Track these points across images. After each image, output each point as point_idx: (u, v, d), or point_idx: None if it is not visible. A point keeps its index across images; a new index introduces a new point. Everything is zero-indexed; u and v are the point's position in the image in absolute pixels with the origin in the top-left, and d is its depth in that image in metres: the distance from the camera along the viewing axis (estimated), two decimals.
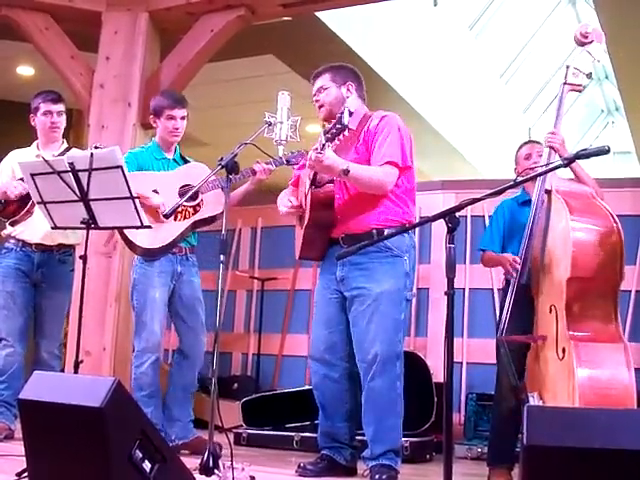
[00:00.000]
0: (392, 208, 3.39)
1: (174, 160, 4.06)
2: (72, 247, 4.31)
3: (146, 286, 3.87)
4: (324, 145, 3.14)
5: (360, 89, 3.58)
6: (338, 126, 3.09)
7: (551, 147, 3.44)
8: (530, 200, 3.68)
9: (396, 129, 3.40)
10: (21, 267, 4.19)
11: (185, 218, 3.90)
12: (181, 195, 3.81)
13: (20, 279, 4.18)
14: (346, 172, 3.21)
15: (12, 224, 4.18)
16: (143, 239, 3.80)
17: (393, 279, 3.35)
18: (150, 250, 3.84)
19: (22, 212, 4.10)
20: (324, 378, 3.47)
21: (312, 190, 3.43)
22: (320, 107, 3.54)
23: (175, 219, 3.85)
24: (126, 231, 3.78)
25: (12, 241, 4.22)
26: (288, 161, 3.85)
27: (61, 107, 4.30)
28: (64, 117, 4.34)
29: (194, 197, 3.86)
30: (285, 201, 3.57)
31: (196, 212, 3.91)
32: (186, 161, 4.11)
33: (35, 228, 4.10)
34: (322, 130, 3.19)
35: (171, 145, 4.07)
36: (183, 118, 4.02)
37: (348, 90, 3.52)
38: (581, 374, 2.97)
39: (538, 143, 3.83)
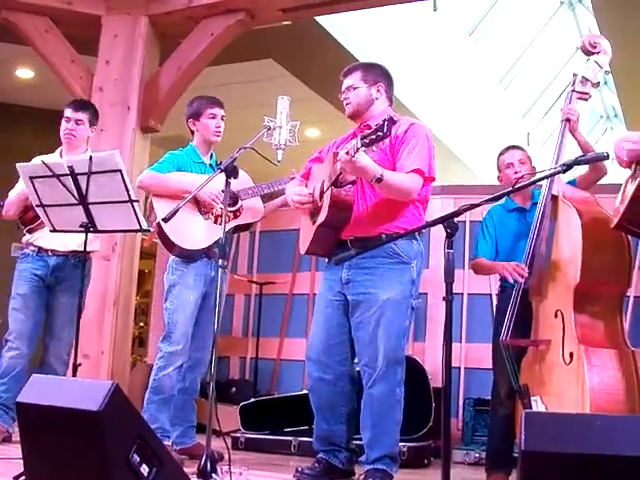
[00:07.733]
0: (406, 216, 3.35)
1: (210, 165, 4.00)
2: (88, 252, 4.27)
3: (182, 288, 3.82)
4: (358, 149, 3.03)
5: (390, 90, 3.52)
6: (379, 134, 2.94)
7: (568, 119, 3.46)
8: (518, 207, 3.68)
9: (425, 139, 3.36)
10: (36, 271, 4.19)
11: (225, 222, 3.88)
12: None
13: (34, 282, 4.19)
14: (380, 179, 3.12)
15: (29, 232, 4.20)
16: (184, 239, 3.77)
17: (401, 286, 3.30)
18: (189, 251, 3.80)
19: (40, 220, 4.07)
20: (319, 380, 3.43)
21: (333, 190, 3.30)
22: (347, 104, 3.47)
23: (215, 222, 3.83)
24: (167, 231, 3.73)
25: (31, 247, 4.24)
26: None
27: (80, 115, 4.21)
28: (85, 126, 4.23)
29: (234, 202, 3.85)
30: (297, 190, 3.46)
31: (236, 217, 3.90)
32: None
33: (52, 236, 4.07)
34: (359, 134, 3.04)
35: (210, 147, 4.02)
36: (223, 118, 3.97)
37: (378, 91, 3.46)
38: (592, 379, 2.96)
39: (519, 149, 3.77)
